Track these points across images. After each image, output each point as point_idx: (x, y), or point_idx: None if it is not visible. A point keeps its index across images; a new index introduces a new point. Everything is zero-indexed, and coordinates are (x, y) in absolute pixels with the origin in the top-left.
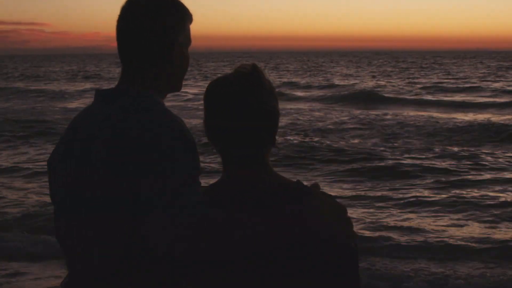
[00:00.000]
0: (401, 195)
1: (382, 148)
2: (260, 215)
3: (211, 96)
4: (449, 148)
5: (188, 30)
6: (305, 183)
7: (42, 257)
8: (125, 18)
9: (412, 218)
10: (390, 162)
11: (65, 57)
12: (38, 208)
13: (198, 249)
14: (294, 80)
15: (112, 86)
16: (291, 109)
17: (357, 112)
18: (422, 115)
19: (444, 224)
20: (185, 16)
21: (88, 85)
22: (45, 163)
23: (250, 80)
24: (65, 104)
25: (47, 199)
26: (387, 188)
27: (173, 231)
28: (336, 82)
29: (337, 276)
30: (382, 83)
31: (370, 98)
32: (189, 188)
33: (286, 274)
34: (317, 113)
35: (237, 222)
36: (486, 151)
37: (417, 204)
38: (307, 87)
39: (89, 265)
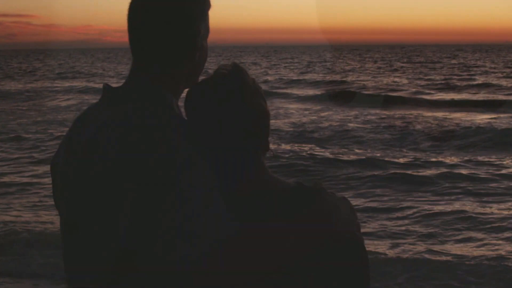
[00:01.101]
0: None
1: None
2: (286, 222)
3: (192, 105)
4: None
5: (208, 18)
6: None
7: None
8: (139, 6)
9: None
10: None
11: (53, 52)
12: None
13: (233, 265)
14: (300, 77)
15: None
16: (296, 109)
17: (372, 114)
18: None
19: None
20: (206, 1)
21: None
22: None
23: (232, 81)
24: None
25: None
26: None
27: (203, 252)
28: (343, 79)
29: (351, 265)
30: (397, 80)
31: (384, 98)
32: (214, 204)
33: (315, 274)
34: (323, 114)
35: (270, 232)
36: None
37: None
38: (312, 84)
39: (88, 282)
